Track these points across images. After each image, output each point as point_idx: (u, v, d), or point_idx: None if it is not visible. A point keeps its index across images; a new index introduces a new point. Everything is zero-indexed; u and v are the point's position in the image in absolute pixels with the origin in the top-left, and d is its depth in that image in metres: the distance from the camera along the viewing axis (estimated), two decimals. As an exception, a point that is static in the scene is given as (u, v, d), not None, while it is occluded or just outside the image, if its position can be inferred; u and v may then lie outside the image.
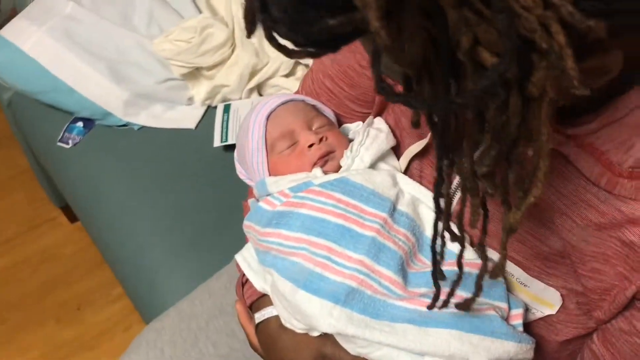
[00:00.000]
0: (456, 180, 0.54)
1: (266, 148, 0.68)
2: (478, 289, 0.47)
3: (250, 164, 0.69)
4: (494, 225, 0.54)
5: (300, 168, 0.65)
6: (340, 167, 0.65)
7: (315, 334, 0.59)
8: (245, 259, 0.67)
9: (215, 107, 1.34)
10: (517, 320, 0.56)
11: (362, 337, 0.54)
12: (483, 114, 0.32)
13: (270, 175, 0.67)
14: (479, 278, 0.46)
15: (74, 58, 1.29)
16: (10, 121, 1.58)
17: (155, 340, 0.87)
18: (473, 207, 0.40)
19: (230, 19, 1.32)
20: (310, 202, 0.60)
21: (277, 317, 0.62)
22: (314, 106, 0.71)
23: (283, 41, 0.32)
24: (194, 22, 1.30)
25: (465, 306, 0.50)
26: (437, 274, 0.48)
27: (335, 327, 0.54)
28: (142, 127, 1.34)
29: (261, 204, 0.64)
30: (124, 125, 1.34)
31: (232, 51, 1.31)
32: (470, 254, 0.57)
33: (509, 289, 0.57)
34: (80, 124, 1.36)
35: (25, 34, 1.31)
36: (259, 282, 0.65)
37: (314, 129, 0.68)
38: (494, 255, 0.54)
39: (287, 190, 0.63)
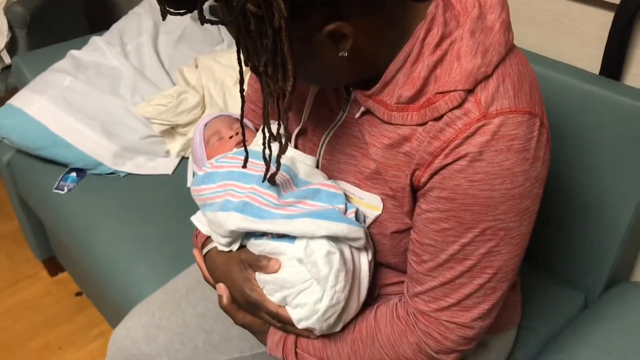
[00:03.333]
0: None
1: (204, 144, 1.00)
2: (278, 166, 0.77)
3: (197, 157, 1.01)
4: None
5: (225, 152, 0.95)
6: None
7: (235, 247, 0.85)
8: (196, 217, 0.96)
9: (188, 158, 1.64)
10: (352, 215, 0.81)
11: (255, 229, 0.80)
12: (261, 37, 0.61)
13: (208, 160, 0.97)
14: (278, 156, 0.75)
15: (71, 119, 1.59)
16: (6, 181, 1.84)
17: (146, 308, 1.09)
18: (270, 102, 0.69)
19: (201, 87, 1.65)
20: (225, 163, 0.90)
21: (215, 247, 0.89)
22: (236, 118, 1.03)
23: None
24: (171, 91, 1.62)
25: (272, 179, 0.79)
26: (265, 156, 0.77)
27: (238, 225, 0.81)
28: (128, 175, 1.62)
29: (198, 173, 0.93)
30: (111, 174, 1.61)
31: (203, 112, 1.62)
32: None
33: (350, 201, 0.83)
34: (74, 173, 1.63)
35: (30, 101, 1.61)
36: (204, 227, 0.93)
37: (233, 128, 1.00)
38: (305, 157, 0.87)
39: (213, 161, 0.92)
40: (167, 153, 1.66)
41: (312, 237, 0.78)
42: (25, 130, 1.59)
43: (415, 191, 0.76)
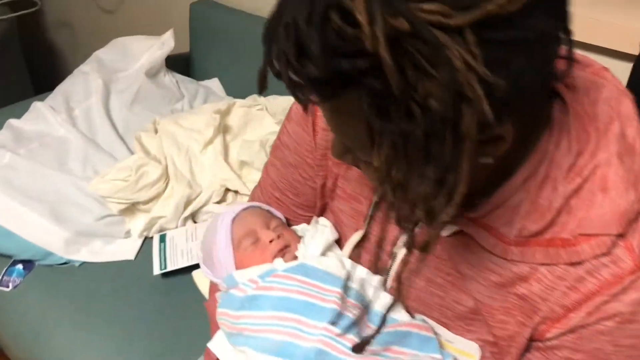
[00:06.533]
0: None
1: (232, 246, 0.81)
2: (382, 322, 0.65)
3: (218, 262, 0.81)
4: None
5: (263, 260, 0.78)
6: (296, 257, 0.78)
7: None
8: (217, 344, 0.77)
9: (152, 238, 1.43)
10: None
11: None
12: (427, 148, 0.45)
13: (236, 269, 0.79)
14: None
15: (14, 203, 1.37)
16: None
17: None
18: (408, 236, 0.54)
19: (163, 156, 1.45)
20: (277, 284, 0.72)
21: None
22: (268, 210, 0.85)
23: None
24: (129, 162, 1.42)
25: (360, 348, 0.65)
26: None
27: None
28: (83, 263, 1.40)
29: (233, 291, 0.74)
30: (64, 263, 1.40)
31: (167, 185, 1.43)
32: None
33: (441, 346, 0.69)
34: (20, 266, 1.40)
35: (-36, 185, 1.38)
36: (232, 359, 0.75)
37: (271, 228, 0.81)
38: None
39: (256, 277, 0.74)
40: (128, 234, 1.45)
41: None
42: (-42, 220, 1.36)
43: (529, 341, 0.64)
